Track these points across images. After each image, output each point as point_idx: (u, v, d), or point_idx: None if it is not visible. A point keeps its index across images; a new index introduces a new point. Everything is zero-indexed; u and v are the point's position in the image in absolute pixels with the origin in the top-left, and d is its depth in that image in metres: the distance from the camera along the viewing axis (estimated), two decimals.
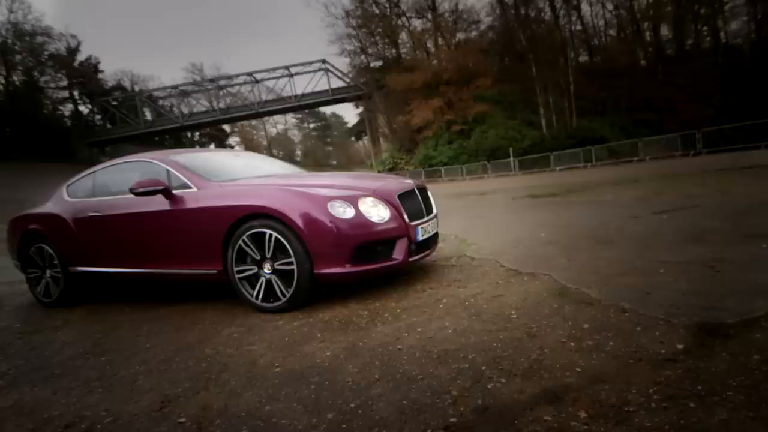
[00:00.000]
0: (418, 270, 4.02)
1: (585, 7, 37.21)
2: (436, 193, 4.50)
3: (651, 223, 5.14)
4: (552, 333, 2.28)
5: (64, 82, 48.65)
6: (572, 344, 2.12)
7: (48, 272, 4.44)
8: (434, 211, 4.03)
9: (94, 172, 4.55)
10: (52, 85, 48.05)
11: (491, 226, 6.80)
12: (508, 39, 37.56)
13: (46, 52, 46.58)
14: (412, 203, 3.67)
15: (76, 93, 49.50)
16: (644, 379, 1.72)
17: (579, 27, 37.79)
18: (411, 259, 3.48)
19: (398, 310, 2.99)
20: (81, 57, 49.40)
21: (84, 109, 49.61)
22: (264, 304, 3.30)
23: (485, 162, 31.29)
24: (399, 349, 2.34)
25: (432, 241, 3.90)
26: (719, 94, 29.90)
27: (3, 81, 43.66)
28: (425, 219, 3.72)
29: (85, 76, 48.90)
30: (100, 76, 51.08)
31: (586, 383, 1.75)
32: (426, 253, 3.77)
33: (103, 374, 2.57)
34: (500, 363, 2.02)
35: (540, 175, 24.27)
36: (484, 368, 2.00)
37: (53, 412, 2.16)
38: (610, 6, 37.10)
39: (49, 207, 4.59)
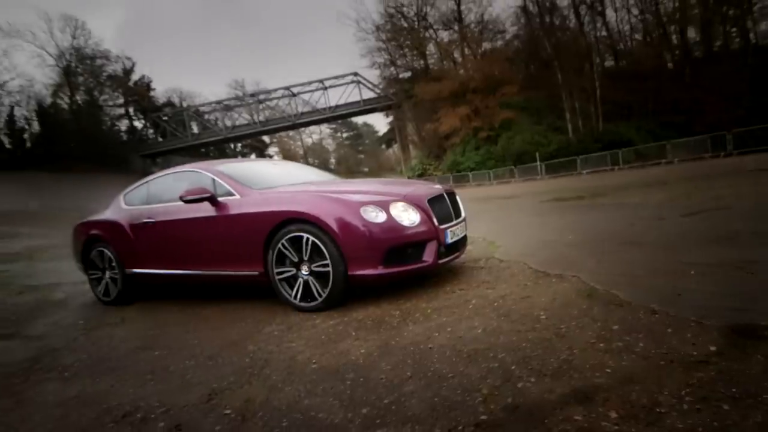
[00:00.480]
0: (448, 272, 3.98)
1: (610, 14, 36.10)
2: (464, 197, 4.45)
3: (680, 225, 4.93)
4: (581, 334, 2.22)
5: (121, 100, 50.86)
6: (602, 345, 2.06)
7: (107, 274, 4.63)
8: (463, 214, 3.99)
9: (147, 181, 4.73)
10: (110, 103, 50.34)
11: (518, 228, 6.68)
12: (533, 47, 36.84)
13: (104, 74, 48.84)
14: (441, 207, 3.64)
15: (131, 110, 51.65)
16: (676, 381, 1.64)
17: (604, 33, 36.68)
18: (440, 261, 3.45)
19: (429, 311, 2.96)
20: (135, 77, 51.55)
21: (138, 124, 51.70)
22: (302, 304, 3.34)
23: (512, 167, 30.72)
24: (430, 348, 2.33)
25: (461, 243, 3.86)
26: (749, 95, 28.29)
27: (68, 100, 46.04)
28: (454, 222, 3.69)
29: (139, 94, 50.98)
30: (152, 93, 53.12)
31: (617, 384, 1.69)
32: (455, 255, 3.74)
33: (156, 368, 2.65)
34: (529, 363, 1.98)
35: (566, 179, 23.66)
36: (513, 368, 1.96)
37: (112, 402, 2.25)
38: (635, 11, 35.87)
39: (108, 214, 4.79)
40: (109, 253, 4.55)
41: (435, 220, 3.43)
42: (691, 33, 34.58)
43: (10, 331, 3.92)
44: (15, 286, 6.28)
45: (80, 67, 46.50)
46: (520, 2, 36.71)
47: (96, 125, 45.87)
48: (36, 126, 43.45)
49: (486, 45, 39.43)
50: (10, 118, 41.50)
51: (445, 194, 3.82)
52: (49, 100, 44.36)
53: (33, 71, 64.63)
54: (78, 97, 46.76)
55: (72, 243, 5.13)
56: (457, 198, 4.07)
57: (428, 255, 3.33)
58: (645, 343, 2.00)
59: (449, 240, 3.53)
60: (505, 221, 7.97)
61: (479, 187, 29.02)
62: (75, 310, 4.67)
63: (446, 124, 34.48)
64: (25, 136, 42.98)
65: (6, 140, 41.40)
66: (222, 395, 2.14)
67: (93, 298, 4.86)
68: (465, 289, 3.37)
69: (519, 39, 39.24)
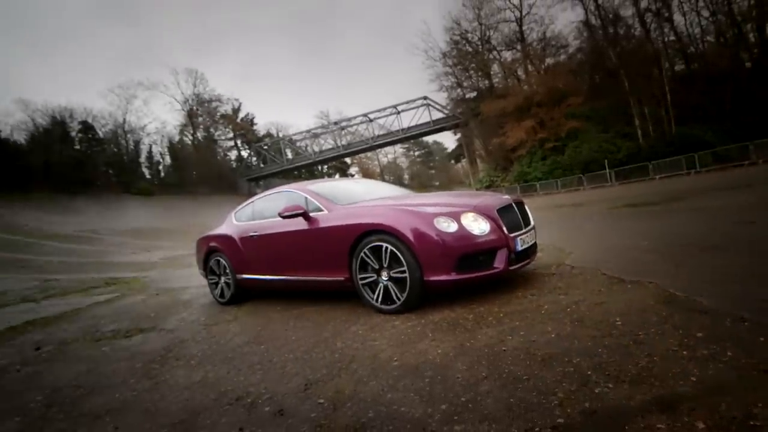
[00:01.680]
0: (519, 278, 3.80)
1: (677, 18, 32.62)
2: (532, 206, 4.22)
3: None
4: (661, 341, 1.99)
5: (231, 134, 55.80)
6: (685, 353, 1.83)
7: (223, 279, 5.02)
8: (532, 223, 3.80)
9: (252, 201, 5.10)
10: (223, 137, 55.50)
11: (590, 235, 6.20)
12: (597, 58, 34.30)
13: (218, 113, 54.00)
14: (511, 216, 3.50)
15: (238, 141, 56.37)
16: None
17: (672, 37, 33.19)
18: (511, 268, 3.30)
19: (501, 315, 2.84)
20: (241, 114, 56.38)
21: (244, 153, 56.08)
22: (382, 306, 3.37)
23: (580, 175, 28.72)
24: (504, 350, 2.22)
25: (531, 250, 3.67)
26: None
27: (191, 137, 51.42)
28: (523, 230, 3.53)
29: (244, 129, 55.56)
30: (255, 127, 57.64)
31: (703, 393, 1.49)
32: (525, 262, 3.56)
33: (262, 359, 2.81)
34: (606, 368, 1.81)
35: (638, 185, 21.60)
36: (589, 373, 1.80)
37: (227, 387, 2.42)
38: (705, 13, 32.08)
39: (222, 229, 5.20)
40: (224, 262, 4.94)
41: (504, 229, 3.30)
42: None
43: (150, 325, 4.39)
44: (153, 289, 7.06)
45: (200, 110, 51.87)
46: (582, 17, 34.61)
47: (212, 156, 50.72)
48: (168, 159, 49.20)
49: (549, 60, 37.52)
50: (149, 154, 47.59)
51: (513, 204, 3.67)
52: (177, 138, 50.05)
53: (165, 115, 73.36)
54: (198, 134, 52.07)
55: (196, 253, 5.65)
56: (526, 207, 3.89)
57: (499, 262, 3.21)
58: (734, 353, 1.75)
59: (519, 247, 3.37)
60: (575, 228, 7.43)
61: (547, 196, 27.49)
62: (198, 309, 5.07)
63: (512, 137, 33.21)
64: (160, 167, 48.81)
65: (147, 172, 47.19)
66: (316, 386, 2.21)
67: (212, 299, 5.25)
68: (537, 295, 3.19)
69: (582, 51, 36.83)
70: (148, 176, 46.56)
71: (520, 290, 3.39)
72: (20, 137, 37.02)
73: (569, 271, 3.82)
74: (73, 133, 41.13)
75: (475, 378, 1.96)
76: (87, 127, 42.05)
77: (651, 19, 31.51)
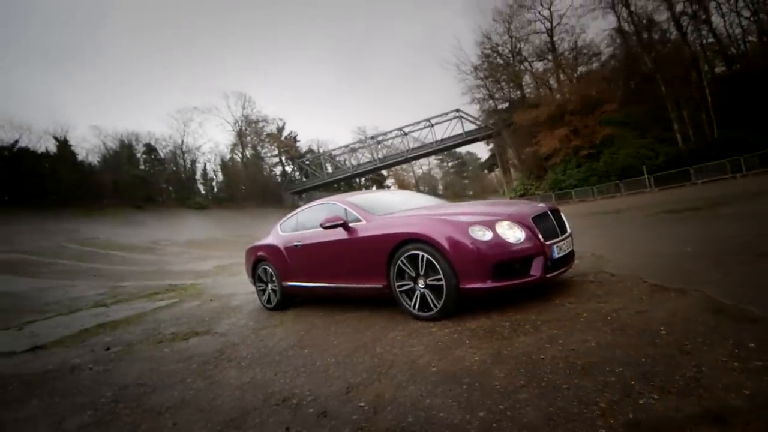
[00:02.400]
0: (557, 286, 3.65)
1: (716, 20, 30.61)
2: (568, 213, 4.06)
3: None
4: (710, 351, 1.84)
5: (276, 152, 57.84)
6: (736, 364, 1.68)
7: (269, 286, 5.16)
8: (568, 230, 3.65)
9: (296, 213, 5.23)
10: (269, 154, 57.64)
11: (629, 242, 5.87)
12: (631, 63, 32.73)
13: (264, 133, 56.22)
14: (546, 224, 3.38)
15: (283, 158, 58.27)
16: None
17: (711, 39, 31.16)
18: (548, 276, 3.18)
19: (539, 322, 2.74)
20: (285, 133, 58.32)
21: (288, 168, 57.98)
22: (419, 313, 3.33)
23: (617, 181, 27.37)
24: (542, 358, 2.13)
25: (568, 258, 3.52)
26: None
27: (240, 155, 53.75)
28: (560, 238, 3.39)
29: (288, 146, 57.41)
30: (297, 144, 59.40)
31: (759, 408, 1.36)
32: (563, 269, 3.41)
33: (306, 363, 2.85)
34: (651, 379, 1.69)
35: (679, 190, 20.29)
36: (633, 383, 1.69)
37: (275, 388, 2.47)
38: (746, 13, 29.91)
39: (269, 239, 5.36)
40: (270, 270, 5.08)
41: (540, 237, 3.19)
42: None
43: (205, 329, 4.57)
44: (207, 295, 7.35)
45: (248, 130, 54.20)
46: (614, 24, 33.26)
47: (259, 172, 52.72)
48: (220, 176, 51.67)
49: (581, 68, 36.28)
50: (204, 172, 50.20)
51: (549, 211, 3.55)
52: (228, 156, 52.48)
53: (218, 136, 77.29)
54: (247, 152, 54.30)
55: (245, 262, 5.85)
56: (562, 215, 3.74)
57: (535, 269, 3.10)
58: None
59: (556, 255, 3.25)
60: (614, 235, 7.07)
61: (583, 203, 26.38)
62: (247, 314, 5.21)
63: (546, 146, 32.22)
64: (213, 183, 51.24)
65: (201, 187, 49.73)
66: (357, 389, 2.21)
67: (259, 305, 5.40)
68: (575, 303, 3.05)
69: (615, 58, 35.33)
70: (202, 191, 49.06)
71: (558, 298, 3.26)
72: (94, 159, 40.34)
73: (608, 279, 3.63)
74: (139, 155, 44.34)
75: (513, 386, 1.89)
76: (150, 149, 45.21)
77: (687, 22, 29.81)
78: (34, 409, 2.72)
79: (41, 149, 34.20)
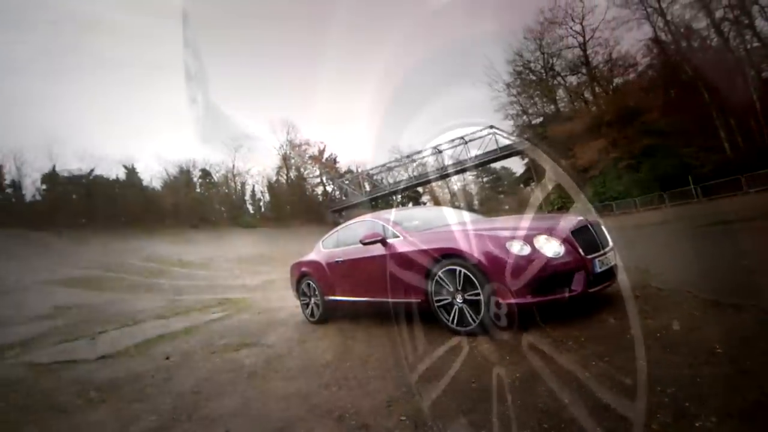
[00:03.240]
0: (601, 301, 3.42)
1: (760, 24, 28.45)
2: (609, 226, 3.84)
3: None
4: None
5: (317, 172, 59.60)
6: None
7: (312, 300, 5.23)
8: (610, 243, 3.45)
9: (337, 230, 5.32)
10: (311, 175, 59.46)
11: (677, 255, 5.44)
12: (670, 72, 30.99)
13: (307, 155, 58.07)
14: (587, 238, 3.22)
15: (324, 178, 59.85)
16: None
17: (756, 44, 28.94)
18: (590, 291, 3.01)
19: (582, 339, 2.58)
20: (326, 154, 60.09)
21: (329, 188, 59.42)
22: (458, 328, 3.25)
23: (660, 192, 25.69)
24: (587, 376, 2.00)
25: (611, 272, 3.31)
26: None
27: (285, 176, 55.90)
28: (601, 252, 3.21)
29: (329, 167, 58.98)
30: (337, 165, 60.99)
31: None
32: (606, 284, 3.21)
33: (348, 375, 2.84)
34: (708, 400, 1.54)
35: (729, 200, 18.66)
36: (687, 404, 1.55)
37: (319, 400, 2.48)
38: None
39: (312, 255, 5.47)
40: (313, 285, 5.16)
41: (581, 251, 3.04)
42: None
43: (254, 340, 4.68)
44: (255, 308, 7.57)
45: (292, 153, 56.34)
46: (650, 35, 31.84)
47: (302, 192, 54.59)
48: (267, 196, 53.99)
49: (617, 80, 34.83)
50: (252, 193, 52.74)
51: (589, 225, 3.38)
52: (274, 178, 54.74)
53: (264, 159, 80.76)
54: (291, 174, 56.34)
55: (290, 277, 5.99)
56: (603, 228, 3.56)
57: (576, 284, 2.95)
58: None
59: (598, 269, 3.07)
60: (661, 248, 6.60)
61: (625, 215, 24.92)
62: (292, 326, 5.29)
63: (583, 158, 30.95)
64: (261, 203, 53.57)
65: (250, 207, 52.10)
66: (397, 403, 2.18)
67: (303, 319, 5.46)
68: (621, 319, 2.84)
69: (653, 68, 33.62)
70: (251, 211, 51.32)
71: (602, 314, 3.06)
72: (157, 184, 43.61)
73: (656, 294, 3.37)
74: (195, 179, 47.32)
75: (557, 404, 1.79)
76: (205, 174, 48.13)
77: (728, 27, 28.02)
78: (103, 414, 2.88)
79: (112, 176, 37.49)
